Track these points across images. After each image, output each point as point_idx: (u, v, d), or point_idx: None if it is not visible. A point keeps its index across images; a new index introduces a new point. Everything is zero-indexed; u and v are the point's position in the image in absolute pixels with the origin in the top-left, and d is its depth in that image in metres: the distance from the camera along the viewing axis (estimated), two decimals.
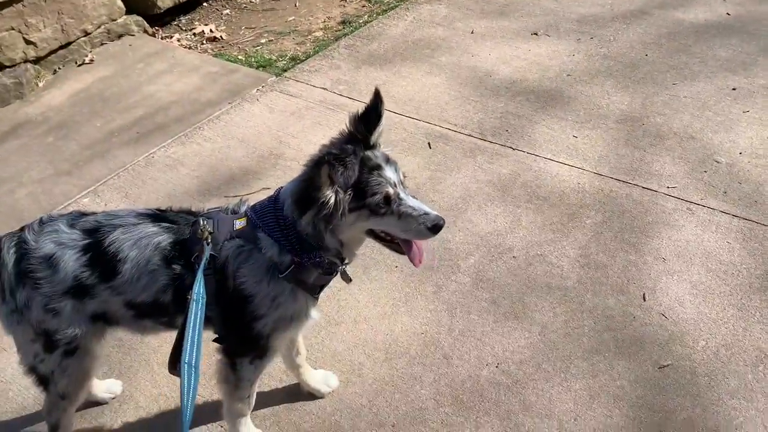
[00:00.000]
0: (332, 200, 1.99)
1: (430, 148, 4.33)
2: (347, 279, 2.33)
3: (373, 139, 2.14)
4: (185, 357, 1.99)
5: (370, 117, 2.14)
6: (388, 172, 2.07)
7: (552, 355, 3.01)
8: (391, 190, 2.05)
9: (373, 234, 2.17)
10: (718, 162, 4.08)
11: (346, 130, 2.14)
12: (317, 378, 2.87)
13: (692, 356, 2.97)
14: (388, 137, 4.22)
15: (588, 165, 4.11)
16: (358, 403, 2.86)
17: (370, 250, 3.25)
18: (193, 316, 2.04)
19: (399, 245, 2.18)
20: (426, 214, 2.06)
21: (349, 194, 2.02)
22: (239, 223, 2.21)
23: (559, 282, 3.36)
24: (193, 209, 2.40)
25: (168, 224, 2.25)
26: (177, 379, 2.00)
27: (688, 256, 3.46)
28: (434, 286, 3.38)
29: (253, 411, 2.64)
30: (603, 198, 3.85)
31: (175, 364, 2.09)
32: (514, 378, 2.93)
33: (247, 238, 2.19)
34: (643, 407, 2.79)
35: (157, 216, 2.28)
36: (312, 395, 2.87)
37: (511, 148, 4.30)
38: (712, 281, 3.31)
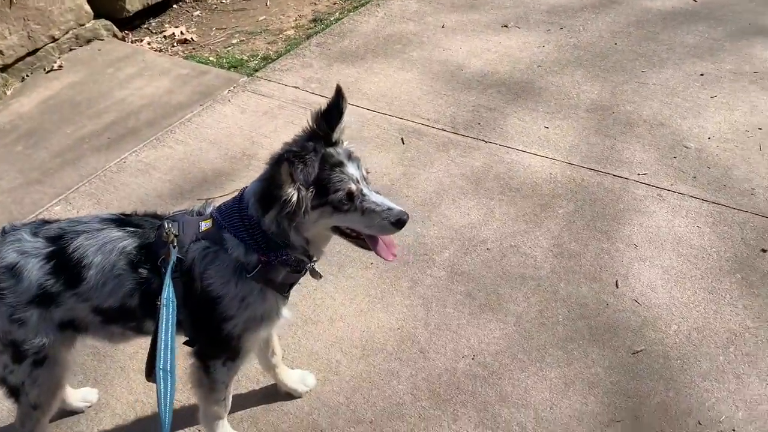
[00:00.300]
0: (294, 198, 1.98)
1: (404, 143, 4.33)
2: (317, 276, 2.32)
3: (335, 136, 2.14)
4: (159, 363, 1.99)
5: (332, 114, 2.14)
6: (351, 169, 2.07)
7: (527, 345, 3.03)
8: (353, 187, 2.05)
9: (338, 231, 2.17)
10: (687, 147, 4.12)
11: (308, 128, 2.14)
12: (294, 378, 2.86)
13: (665, 341, 3.01)
14: (360, 134, 4.28)
15: (559, 155, 4.14)
16: (335, 401, 2.86)
17: (345, 248, 3.24)
18: (164, 322, 2.03)
19: (365, 241, 2.18)
20: (389, 209, 2.07)
21: (311, 191, 2.01)
22: (205, 225, 2.20)
23: (532, 272, 3.38)
24: (159, 213, 2.38)
25: (133, 228, 2.23)
26: (154, 385, 1.99)
27: (660, 241, 3.49)
28: (410, 281, 3.39)
29: (230, 413, 2.63)
30: (575, 187, 3.88)
31: (151, 371, 2.08)
32: (491, 369, 2.95)
33: (213, 240, 2.17)
34: (617, 393, 2.82)
35: (121, 221, 2.26)
36: (289, 395, 2.86)
37: (483, 141, 4.31)
38: (683, 266, 3.35)
